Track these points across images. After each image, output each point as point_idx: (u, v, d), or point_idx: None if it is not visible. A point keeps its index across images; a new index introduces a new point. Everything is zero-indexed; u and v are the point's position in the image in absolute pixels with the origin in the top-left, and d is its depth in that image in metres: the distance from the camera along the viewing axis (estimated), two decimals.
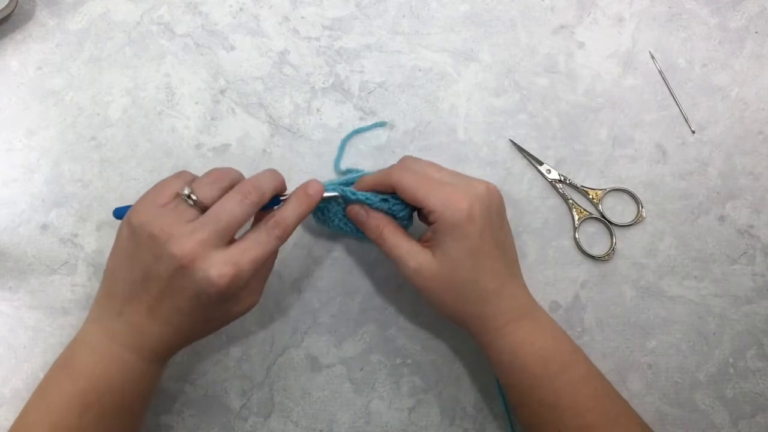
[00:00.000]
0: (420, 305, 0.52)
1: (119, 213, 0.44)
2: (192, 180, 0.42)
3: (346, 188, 0.46)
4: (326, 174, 0.54)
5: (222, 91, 0.55)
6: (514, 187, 0.55)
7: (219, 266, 0.38)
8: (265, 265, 0.43)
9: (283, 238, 0.42)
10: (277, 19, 0.57)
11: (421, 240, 0.47)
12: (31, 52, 0.56)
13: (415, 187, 0.43)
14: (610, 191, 0.55)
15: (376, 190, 0.46)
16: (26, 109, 0.54)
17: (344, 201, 0.47)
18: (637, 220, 0.54)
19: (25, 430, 0.41)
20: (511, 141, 0.55)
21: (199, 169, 0.54)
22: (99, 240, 0.53)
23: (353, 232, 0.49)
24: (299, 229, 0.53)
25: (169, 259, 0.38)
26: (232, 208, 0.40)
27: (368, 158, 0.54)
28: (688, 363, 0.52)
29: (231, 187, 0.42)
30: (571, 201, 0.54)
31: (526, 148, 0.55)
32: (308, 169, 0.54)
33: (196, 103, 0.55)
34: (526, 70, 0.57)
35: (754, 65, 0.57)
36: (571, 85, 0.56)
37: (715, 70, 0.57)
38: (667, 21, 0.58)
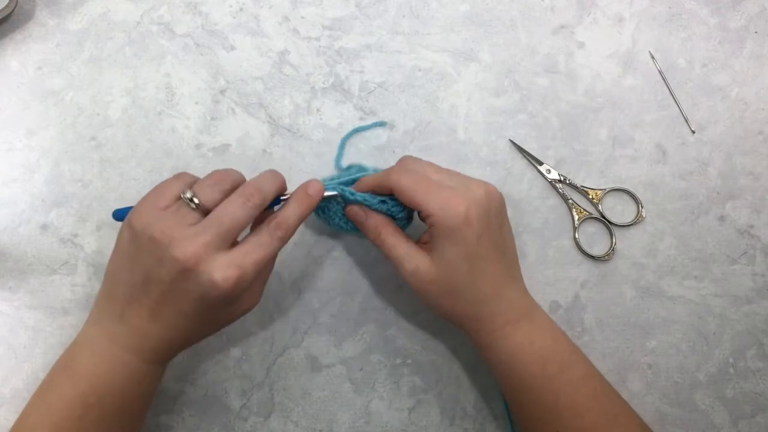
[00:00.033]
0: (420, 305, 0.52)
1: (118, 215, 0.44)
2: (193, 182, 0.42)
3: (345, 188, 0.46)
4: (326, 174, 0.54)
5: (222, 91, 0.55)
6: (514, 187, 0.55)
7: (223, 269, 0.38)
8: (266, 266, 0.43)
9: (285, 239, 0.42)
10: (277, 19, 0.57)
11: (420, 241, 0.47)
12: (31, 52, 0.56)
13: (413, 189, 0.42)
14: (610, 191, 0.55)
15: (375, 192, 0.46)
16: (26, 109, 0.54)
17: (343, 201, 0.47)
18: (637, 220, 0.54)
19: None
20: (511, 141, 0.55)
21: (199, 168, 0.54)
22: (99, 240, 0.53)
23: (353, 230, 0.49)
24: (299, 229, 0.53)
25: (171, 263, 0.38)
26: (234, 210, 0.40)
27: (368, 158, 0.54)
28: (688, 363, 0.52)
29: (233, 189, 0.42)
30: (571, 201, 0.54)
31: (526, 148, 0.55)
32: (308, 169, 0.54)
33: (196, 103, 0.55)
34: (526, 70, 0.57)
35: (754, 65, 0.57)
36: (571, 85, 0.56)
37: (715, 70, 0.57)
38: (667, 21, 0.58)
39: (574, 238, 0.54)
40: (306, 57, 0.56)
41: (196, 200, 0.40)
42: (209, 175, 0.42)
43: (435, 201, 0.42)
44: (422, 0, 0.57)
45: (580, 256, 0.54)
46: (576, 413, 0.42)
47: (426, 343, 0.52)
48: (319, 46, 0.56)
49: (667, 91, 0.56)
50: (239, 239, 0.41)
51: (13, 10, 0.54)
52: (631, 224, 0.54)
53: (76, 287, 0.52)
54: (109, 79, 0.55)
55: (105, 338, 0.42)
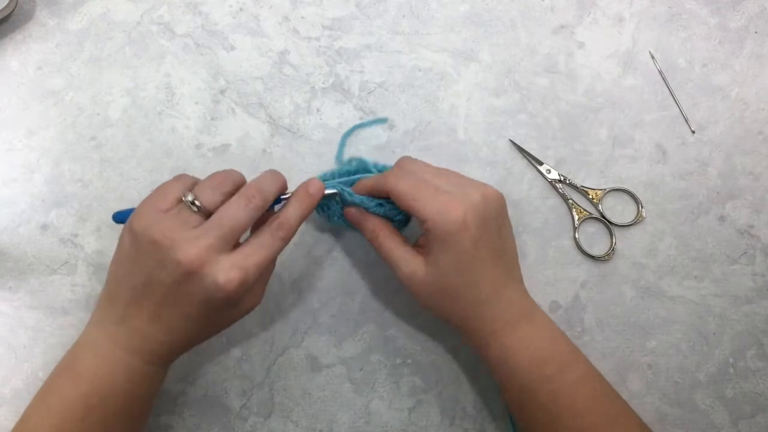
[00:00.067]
0: (420, 305, 0.52)
1: (118, 217, 0.44)
2: (193, 184, 0.42)
3: (345, 188, 0.46)
4: (326, 169, 0.54)
5: (222, 91, 0.55)
6: (514, 187, 0.55)
7: (226, 271, 0.38)
8: (268, 267, 0.43)
9: (287, 239, 0.42)
10: (277, 19, 0.57)
11: (417, 243, 0.47)
12: (31, 52, 0.56)
13: (409, 195, 0.42)
14: (610, 191, 0.55)
15: (373, 194, 0.46)
16: (26, 109, 0.54)
17: (342, 201, 0.47)
18: (637, 220, 0.54)
19: None
20: (511, 141, 0.55)
21: (199, 168, 0.54)
22: (99, 240, 0.53)
23: (354, 227, 0.49)
24: (299, 230, 0.53)
25: (173, 266, 0.38)
26: (236, 212, 0.40)
27: (368, 158, 0.54)
28: (688, 363, 0.52)
29: (234, 190, 0.42)
30: (571, 201, 0.54)
31: (526, 148, 0.55)
32: (308, 169, 0.54)
33: (196, 103, 0.55)
34: (526, 70, 0.57)
35: (754, 65, 0.57)
36: (571, 85, 0.56)
37: (715, 70, 0.57)
38: (667, 21, 0.58)
39: (574, 238, 0.54)
40: (306, 57, 0.56)
41: (197, 203, 0.40)
42: (210, 177, 0.42)
43: (431, 206, 0.41)
44: (422, 0, 0.57)
45: (580, 256, 0.54)
46: (575, 413, 0.42)
47: (426, 343, 0.52)
48: (319, 46, 0.56)
49: (667, 91, 0.56)
50: (240, 240, 0.41)
51: (13, 10, 0.54)
52: (631, 224, 0.54)
53: (76, 287, 0.52)
54: (109, 79, 0.55)
55: (107, 340, 0.42)
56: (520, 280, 0.46)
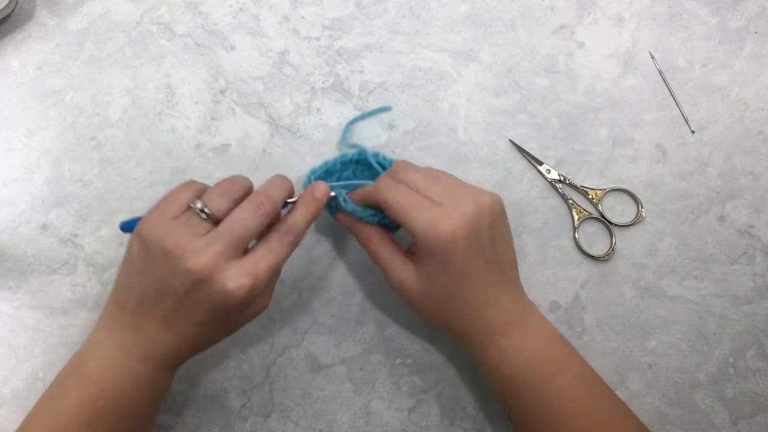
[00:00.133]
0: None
1: (126, 227, 0.44)
2: (202, 190, 0.42)
3: (341, 192, 0.46)
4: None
5: (222, 91, 0.55)
6: (514, 187, 0.55)
7: (236, 278, 0.38)
8: (277, 272, 0.43)
9: (295, 244, 0.42)
10: (277, 19, 0.57)
11: (410, 250, 0.47)
12: (31, 52, 0.56)
13: (400, 208, 0.42)
14: (609, 191, 0.55)
15: (365, 204, 0.46)
16: (26, 109, 0.54)
17: (336, 206, 0.47)
18: (637, 220, 0.54)
19: None
20: (511, 141, 0.55)
21: (199, 169, 0.54)
22: (99, 240, 0.53)
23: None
24: None
25: (184, 275, 0.38)
26: (245, 219, 0.40)
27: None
28: (688, 363, 0.52)
29: (242, 197, 0.42)
30: (571, 201, 0.54)
31: (526, 148, 0.55)
32: (308, 169, 0.54)
33: (196, 103, 0.55)
34: (526, 70, 0.57)
35: (754, 65, 0.57)
36: (571, 85, 0.56)
37: (715, 70, 0.57)
38: (667, 21, 0.58)
39: (574, 238, 0.54)
40: (306, 57, 0.56)
41: (206, 210, 0.40)
42: (218, 184, 0.42)
43: (420, 221, 0.41)
44: (422, 0, 0.57)
45: (580, 256, 0.54)
46: (572, 415, 0.42)
47: (426, 343, 0.52)
48: (319, 46, 0.56)
49: (667, 91, 0.56)
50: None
51: (13, 10, 0.54)
52: (631, 224, 0.54)
53: (76, 287, 0.52)
54: (109, 79, 0.55)
55: (114, 344, 0.42)
56: (517, 284, 0.46)
